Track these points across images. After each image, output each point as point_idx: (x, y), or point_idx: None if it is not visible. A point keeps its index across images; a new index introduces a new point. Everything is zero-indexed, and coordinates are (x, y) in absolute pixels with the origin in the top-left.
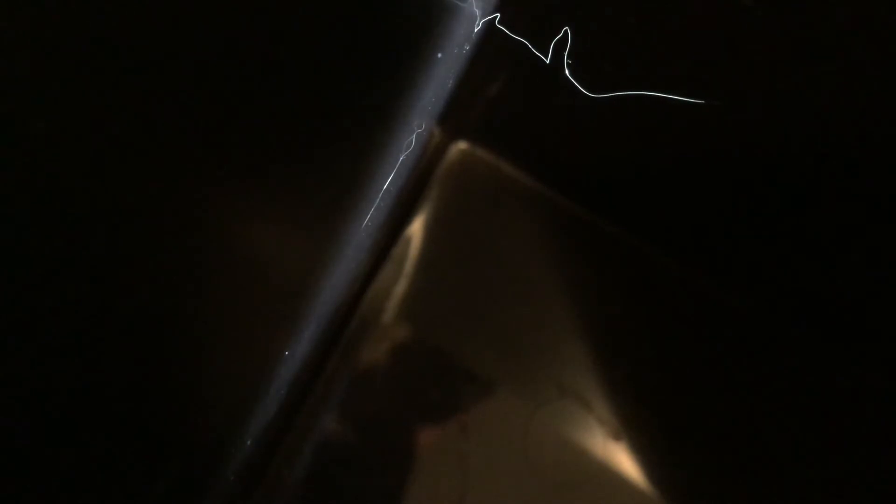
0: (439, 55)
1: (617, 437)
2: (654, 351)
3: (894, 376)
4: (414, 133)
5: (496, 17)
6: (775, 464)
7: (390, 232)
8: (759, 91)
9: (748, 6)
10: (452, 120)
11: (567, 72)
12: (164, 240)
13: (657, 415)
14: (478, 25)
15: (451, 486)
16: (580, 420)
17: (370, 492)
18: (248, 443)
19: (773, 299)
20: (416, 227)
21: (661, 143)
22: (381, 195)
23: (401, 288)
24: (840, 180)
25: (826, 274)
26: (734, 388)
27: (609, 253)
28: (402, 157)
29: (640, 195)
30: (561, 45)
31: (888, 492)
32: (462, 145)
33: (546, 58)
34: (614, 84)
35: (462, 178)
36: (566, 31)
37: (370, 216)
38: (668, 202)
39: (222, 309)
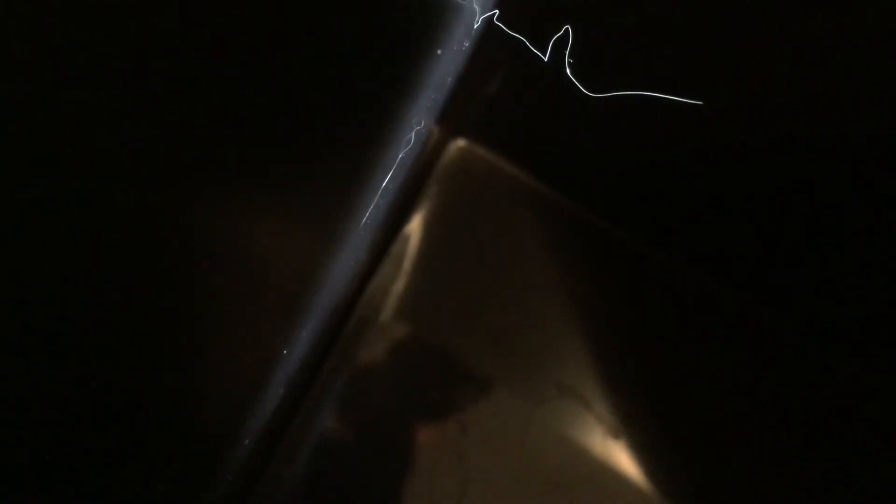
0: (439, 52)
1: (616, 435)
2: (653, 350)
3: (894, 376)
4: (413, 130)
5: (495, 13)
6: (775, 463)
7: (389, 230)
8: (759, 90)
9: (748, 3)
10: (451, 117)
11: (567, 70)
12: (162, 239)
13: (656, 413)
14: (477, 22)
15: (449, 485)
16: (579, 418)
17: (369, 490)
18: (247, 442)
19: (774, 299)
20: (415, 225)
21: (661, 142)
22: (379, 193)
23: (399, 286)
24: (841, 180)
25: (826, 273)
26: (733, 387)
27: (608, 251)
28: (401, 154)
29: (640, 193)
30: (561, 43)
31: (888, 492)
32: (461, 143)
33: (545, 56)
34: (614, 83)
35: (461, 176)
36: (567, 29)
37: (369, 214)
38: (668, 201)
39: (220, 308)
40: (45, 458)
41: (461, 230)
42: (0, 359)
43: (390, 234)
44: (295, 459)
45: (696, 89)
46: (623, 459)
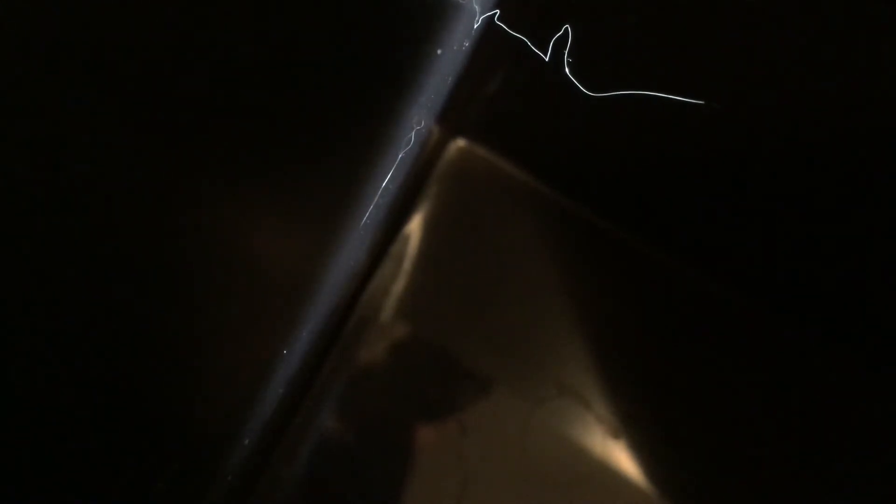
0: (439, 52)
1: (616, 435)
2: (653, 349)
3: (894, 376)
4: (413, 130)
5: (496, 13)
6: (775, 463)
7: (389, 230)
8: (760, 90)
9: (750, 3)
10: (451, 117)
11: (567, 70)
12: (163, 238)
13: (656, 413)
14: (477, 22)
15: (449, 485)
16: (579, 418)
17: (368, 490)
18: (247, 442)
19: (774, 299)
20: (415, 225)
21: (661, 142)
22: (379, 193)
23: (399, 286)
24: (840, 179)
25: (826, 273)
26: (734, 387)
27: (608, 251)
28: (401, 154)
29: (640, 193)
30: (561, 42)
31: (888, 492)
32: (461, 143)
33: (545, 55)
34: (614, 83)
35: (461, 176)
36: (566, 28)
37: (369, 214)
38: (668, 200)
39: (221, 308)
40: (46, 456)
41: (461, 230)
42: (1, 358)
43: (390, 234)
44: (295, 459)
45: (697, 89)
46: (623, 459)
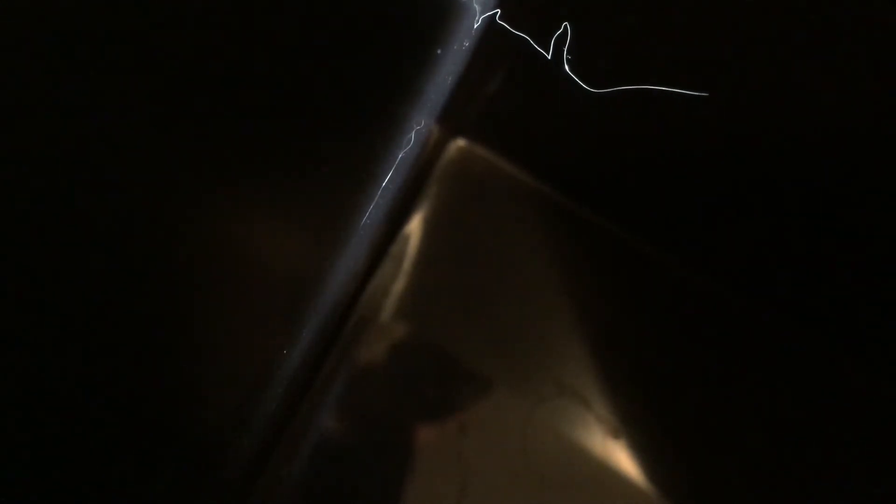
0: (439, 51)
1: (616, 435)
2: (653, 349)
3: (893, 376)
4: (413, 130)
5: (496, 12)
6: (775, 462)
7: (389, 229)
8: (760, 86)
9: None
10: (451, 117)
11: (567, 67)
12: (163, 238)
13: (656, 413)
14: (478, 21)
15: (449, 484)
16: (579, 418)
17: (368, 490)
18: (247, 442)
19: (774, 298)
20: (415, 225)
21: (662, 141)
22: (379, 193)
23: (399, 286)
24: (841, 179)
25: (826, 273)
26: (733, 387)
27: (608, 251)
28: (401, 154)
29: (640, 192)
30: (561, 40)
31: (888, 492)
32: (461, 143)
33: (548, 54)
34: (615, 79)
35: (461, 176)
36: (566, 26)
37: (369, 214)
38: (669, 200)
39: (221, 308)
40: (45, 456)
41: (461, 230)
42: (1, 359)
43: (390, 234)
44: (295, 459)
45: (697, 88)
46: (622, 459)
